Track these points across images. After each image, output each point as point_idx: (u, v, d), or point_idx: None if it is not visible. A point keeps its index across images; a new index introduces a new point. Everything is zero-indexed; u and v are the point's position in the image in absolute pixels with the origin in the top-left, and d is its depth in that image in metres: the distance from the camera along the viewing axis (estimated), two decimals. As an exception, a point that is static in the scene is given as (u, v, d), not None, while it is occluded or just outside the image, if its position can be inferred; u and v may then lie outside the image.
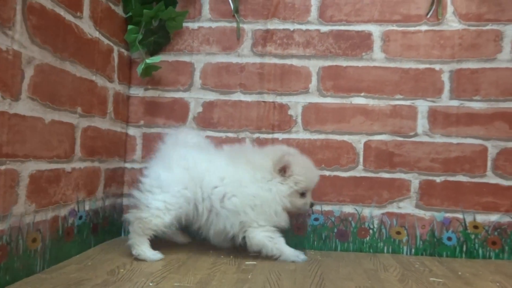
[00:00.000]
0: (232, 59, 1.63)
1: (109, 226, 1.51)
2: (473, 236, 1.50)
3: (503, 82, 1.52)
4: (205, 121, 1.63)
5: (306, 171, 1.37)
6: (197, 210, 1.32)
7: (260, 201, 1.32)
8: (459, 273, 1.27)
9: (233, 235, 1.34)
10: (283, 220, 1.36)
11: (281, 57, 1.62)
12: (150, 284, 1.04)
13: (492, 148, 1.52)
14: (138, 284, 1.03)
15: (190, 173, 1.31)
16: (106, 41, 1.44)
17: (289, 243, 1.38)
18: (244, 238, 1.33)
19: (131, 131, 1.64)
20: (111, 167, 1.51)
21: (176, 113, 1.63)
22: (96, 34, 1.37)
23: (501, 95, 1.52)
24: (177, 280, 1.09)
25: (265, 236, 1.33)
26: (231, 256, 1.37)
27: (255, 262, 1.31)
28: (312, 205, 1.40)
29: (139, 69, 1.53)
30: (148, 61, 1.52)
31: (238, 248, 1.40)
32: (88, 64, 1.33)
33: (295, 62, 1.61)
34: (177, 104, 1.64)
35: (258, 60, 1.62)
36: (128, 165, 1.64)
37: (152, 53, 1.60)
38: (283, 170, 1.34)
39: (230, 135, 1.62)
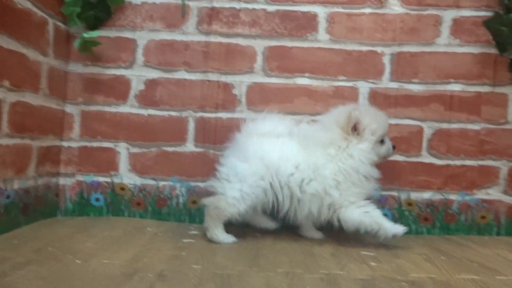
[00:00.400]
0: (177, 36, 1.60)
1: (42, 206, 1.46)
2: (407, 213, 1.55)
3: (440, 66, 1.57)
4: (147, 99, 1.59)
5: (376, 117, 1.34)
6: (277, 199, 1.30)
7: (343, 176, 1.28)
8: (390, 247, 1.31)
9: (325, 219, 1.32)
10: (374, 175, 1.32)
11: (226, 36, 1.60)
12: (77, 261, 1.02)
13: (428, 129, 1.57)
14: (64, 262, 1.00)
15: (265, 163, 1.29)
16: (39, 13, 1.37)
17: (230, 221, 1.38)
18: (339, 220, 1.30)
19: (69, 108, 1.59)
20: (45, 145, 1.45)
21: (116, 91, 1.59)
22: (28, 5, 1.31)
23: (438, 78, 1.57)
24: (107, 257, 1.07)
25: (361, 213, 1.28)
26: (169, 234, 1.36)
27: (193, 240, 1.30)
28: (394, 147, 1.38)
29: (76, 43, 1.47)
30: (85, 35, 1.46)
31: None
32: (18, 36, 1.26)
33: (240, 41, 1.60)
34: (118, 81, 1.59)
35: (203, 38, 1.60)
36: (65, 144, 1.58)
37: (92, 28, 1.55)
38: (355, 128, 1.31)
39: (173, 114, 1.60)
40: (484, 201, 1.54)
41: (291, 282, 0.94)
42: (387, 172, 1.56)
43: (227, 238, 1.29)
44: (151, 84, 1.59)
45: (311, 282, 0.94)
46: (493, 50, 1.56)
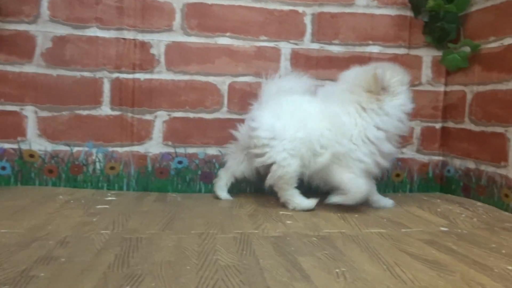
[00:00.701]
0: (86, -11, 1.47)
1: None
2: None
3: (359, 27, 1.59)
4: (56, 58, 1.47)
5: (395, 69, 1.29)
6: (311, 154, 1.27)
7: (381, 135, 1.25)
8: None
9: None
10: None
11: (141, -10, 1.50)
12: (-31, 231, 0.93)
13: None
14: (-47, 232, 0.91)
15: (298, 119, 1.28)
16: None
17: (152, 187, 1.34)
18: None
19: (-36, 67, 1.43)
20: None
21: (20, 49, 1.45)
22: None
23: (357, 40, 1.59)
24: (7, 226, 0.99)
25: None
26: (83, 201, 1.29)
27: (107, 206, 1.25)
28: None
29: (-34, -8, 1.31)
30: (-25, -17, 1.31)
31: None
32: None
33: (156, -4, 1.51)
34: (20, 38, 1.45)
35: (115, -8, 1.48)
36: (-39, 107, 1.43)
37: (-14, -24, 1.38)
38: (385, 89, 1.24)
39: (86, 74, 1.49)
40: (398, 160, 1.61)
41: (203, 243, 0.92)
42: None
43: (311, 202, 1.27)
44: (59, 41, 1.47)
45: (223, 241, 0.93)
46: (409, 13, 1.59)
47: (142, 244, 0.90)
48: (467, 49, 1.48)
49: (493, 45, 1.39)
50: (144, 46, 1.51)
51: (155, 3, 1.51)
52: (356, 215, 1.22)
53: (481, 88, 1.44)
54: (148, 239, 0.94)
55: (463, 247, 0.92)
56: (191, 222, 1.10)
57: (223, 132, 1.54)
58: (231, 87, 1.55)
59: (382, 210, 1.29)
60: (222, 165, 1.53)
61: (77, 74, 1.49)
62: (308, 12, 1.57)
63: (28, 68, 1.46)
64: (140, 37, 1.51)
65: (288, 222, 1.13)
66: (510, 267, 0.81)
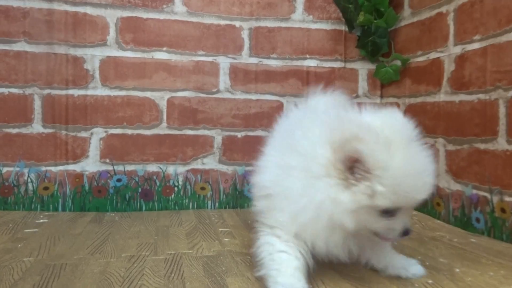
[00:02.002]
0: (12, 2, 1.41)
1: None
2: (267, 187, 1.59)
3: (296, 41, 1.61)
4: (-20, 74, 1.40)
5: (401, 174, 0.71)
6: None
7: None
8: (249, 222, 1.33)
9: None
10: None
11: (73, 4, 1.45)
12: None
13: (287, 103, 1.61)
14: None
15: None
16: None
17: (89, 207, 1.28)
18: None
19: None
20: None
21: None
22: None
23: (295, 54, 1.61)
24: None
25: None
26: (10, 225, 1.22)
27: (37, 230, 1.19)
28: (406, 233, 0.76)
29: None
30: None
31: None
32: None
33: (89, 10, 1.47)
34: None
35: (45, 5, 1.43)
36: None
37: None
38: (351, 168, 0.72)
39: (14, 91, 1.42)
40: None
41: (131, 267, 0.89)
42: (250, 148, 1.57)
43: None
44: (-17, 57, 1.40)
45: (152, 264, 0.91)
46: (343, 27, 1.64)
47: (65, 272, 0.85)
48: (398, 62, 1.53)
49: (420, 59, 1.45)
50: (76, 61, 1.46)
51: (87, 17, 1.47)
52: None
53: (413, 100, 1.50)
54: (73, 265, 0.90)
55: (391, 258, 0.94)
56: (124, 243, 1.07)
57: (162, 148, 1.52)
58: (170, 102, 1.53)
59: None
60: (162, 181, 1.51)
61: (5, 90, 1.42)
62: (245, 27, 1.58)
63: (-50, 85, 1.38)
64: (72, 52, 1.46)
65: (226, 239, 1.12)
66: (430, 281, 0.83)
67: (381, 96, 1.67)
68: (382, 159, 0.68)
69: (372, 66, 1.65)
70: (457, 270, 0.88)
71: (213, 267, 0.89)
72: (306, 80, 1.62)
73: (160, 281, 0.81)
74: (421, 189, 0.72)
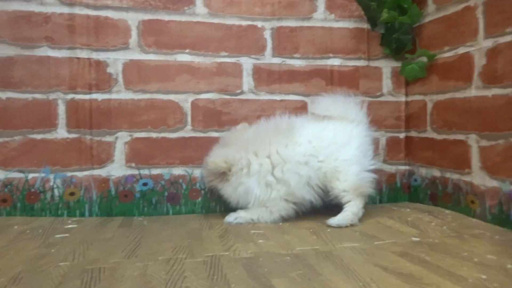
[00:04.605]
0: (34, 7, 1.40)
1: None
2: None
3: (318, 41, 1.59)
4: (3, 80, 1.39)
5: None
6: None
7: None
8: (280, 223, 1.30)
9: None
10: None
11: (94, 8, 1.44)
12: None
13: (311, 103, 1.59)
14: None
15: None
16: None
17: (116, 212, 1.27)
18: None
19: None
20: None
21: (-36, 71, 1.36)
22: None
23: (318, 53, 1.59)
24: (-49, 265, 0.90)
25: None
26: (40, 231, 1.21)
27: (67, 235, 1.17)
28: None
29: None
30: None
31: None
32: None
33: (111, 14, 1.46)
34: (-35, 60, 1.36)
35: (66, 10, 1.42)
36: None
37: None
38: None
39: (38, 96, 1.41)
40: (364, 170, 1.61)
41: (170, 269, 0.87)
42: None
43: None
44: (6, 62, 1.39)
45: (192, 267, 0.88)
46: (366, 25, 1.62)
47: (105, 275, 0.83)
48: (424, 59, 1.51)
49: (448, 54, 1.42)
50: (99, 65, 1.45)
51: (108, 20, 1.46)
52: (329, 230, 1.20)
53: (440, 97, 1.47)
54: (112, 268, 0.88)
55: (436, 257, 0.92)
56: (158, 247, 1.04)
57: (188, 151, 1.50)
58: (194, 104, 1.51)
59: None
60: (189, 184, 1.49)
61: (29, 96, 1.41)
62: (267, 27, 1.56)
63: (-25, 92, 1.37)
64: (95, 56, 1.45)
65: (260, 241, 1.09)
66: (484, 276, 0.80)
67: (406, 94, 1.65)
68: None
69: (396, 64, 1.63)
70: (510, 266, 0.85)
71: (255, 269, 0.86)
72: (330, 79, 1.60)
73: (205, 283, 0.78)
74: None
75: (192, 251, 1.00)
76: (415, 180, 1.60)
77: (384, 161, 1.64)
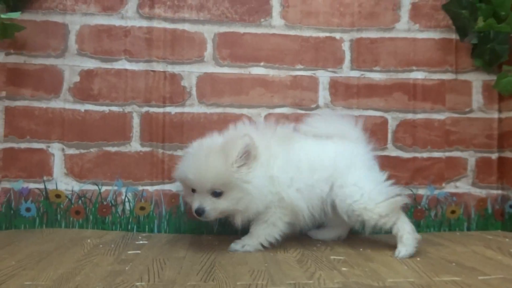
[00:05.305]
0: (115, 21, 1.42)
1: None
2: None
3: (401, 52, 1.49)
4: (83, 92, 1.40)
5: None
6: None
7: None
8: (361, 249, 1.20)
9: None
10: None
11: (171, 21, 1.43)
12: (-10, 285, 0.82)
13: (392, 120, 1.48)
14: (-28, 287, 0.81)
15: None
16: None
17: (184, 229, 1.22)
18: None
19: (-11, 104, 1.37)
20: (-42, 147, 1.23)
21: (46, 83, 1.39)
22: None
23: (400, 66, 1.49)
24: (30, 277, 0.88)
25: None
26: (112, 245, 1.18)
27: (139, 251, 1.13)
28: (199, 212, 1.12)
29: (-7, 26, 1.26)
30: (3, 16, 1.25)
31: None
32: None
33: (187, 27, 1.44)
34: (47, 72, 1.39)
35: (145, 23, 1.42)
36: (-14, 146, 1.36)
37: (13, 9, 1.33)
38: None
39: (114, 109, 1.41)
40: (453, 194, 1.47)
41: (253, 297, 0.80)
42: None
43: None
44: (87, 75, 1.40)
45: (277, 296, 0.80)
46: (454, 36, 1.49)
47: (185, 300, 0.77)
48: (524, 72, 1.36)
49: (555, 66, 1.27)
50: (174, 78, 1.43)
51: (185, 33, 1.44)
52: (418, 258, 1.08)
53: (543, 114, 1.31)
54: (190, 293, 0.82)
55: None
56: (234, 270, 0.98)
57: (259, 167, 1.43)
58: (267, 119, 1.45)
59: (445, 251, 1.15)
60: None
61: (106, 108, 1.41)
62: (346, 39, 1.48)
63: (55, 104, 1.39)
64: (170, 68, 1.43)
65: (344, 269, 1.00)
66: None
67: (500, 110, 1.49)
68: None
69: (488, 77, 1.49)
70: None
71: (348, 302, 0.77)
72: (413, 94, 1.48)
73: (295, 317, 0.70)
74: (194, 176, 1.11)
75: (272, 276, 0.93)
76: (511, 206, 1.43)
77: (473, 184, 1.48)
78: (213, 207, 1.11)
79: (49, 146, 1.39)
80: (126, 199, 1.41)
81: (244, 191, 1.11)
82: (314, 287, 0.86)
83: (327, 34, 1.47)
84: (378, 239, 1.32)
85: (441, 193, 1.46)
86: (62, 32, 1.40)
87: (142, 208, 1.41)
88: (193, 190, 1.14)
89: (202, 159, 1.11)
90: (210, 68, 1.45)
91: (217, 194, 1.11)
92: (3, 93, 1.37)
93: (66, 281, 0.86)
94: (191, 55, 1.44)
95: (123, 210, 1.40)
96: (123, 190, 1.41)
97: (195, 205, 1.12)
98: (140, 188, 1.42)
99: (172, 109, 1.43)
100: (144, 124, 1.42)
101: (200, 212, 1.11)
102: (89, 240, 1.23)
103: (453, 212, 1.46)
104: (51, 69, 1.39)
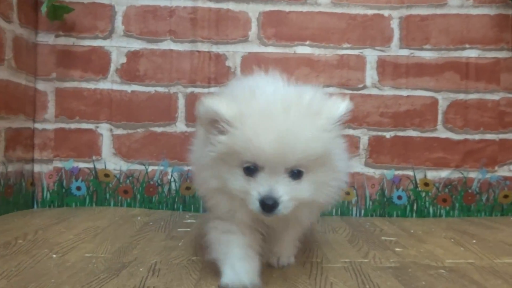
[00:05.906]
0: (160, 2, 1.42)
1: (14, 197, 1.28)
2: (423, 194, 1.41)
3: (453, 30, 1.43)
4: (130, 73, 1.42)
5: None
6: None
7: None
8: (411, 231, 1.18)
9: None
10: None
11: (216, 1, 1.43)
12: (53, 256, 0.85)
13: (443, 100, 1.43)
14: (37, 257, 0.84)
15: None
16: (0, -28, 1.19)
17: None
18: None
19: (41, 85, 1.40)
20: (14, 126, 1.27)
21: (94, 65, 1.41)
22: (-14, -39, 1.12)
23: (452, 44, 1.43)
24: (89, 250, 0.90)
25: None
26: (162, 223, 1.20)
27: (188, 229, 1.15)
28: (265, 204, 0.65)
29: (43, 8, 1.28)
30: (54, -2, 1.28)
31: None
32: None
33: (232, 6, 1.43)
34: (95, 54, 1.41)
35: (189, 3, 1.42)
36: (38, 126, 1.40)
37: (63, -8, 1.36)
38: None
39: (160, 89, 1.42)
40: (506, 178, 1.41)
41: (311, 273, 0.79)
42: (400, 149, 1.42)
43: None
44: (133, 56, 1.42)
45: (334, 272, 0.79)
46: (511, 11, 1.42)
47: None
48: None
49: None
50: (219, 58, 1.43)
51: (229, 13, 1.43)
52: (474, 241, 1.05)
53: None
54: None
55: None
56: (286, 248, 0.97)
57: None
58: (312, 99, 1.42)
59: (502, 234, 1.11)
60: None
61: (152, 89, 1.42)
62: (394, 16, 1.43)
63: (103, 85, 1.41)
64: (215, 49, 1.43)
65: (398, 249, 0.97)
66: None
67: (559, 90, 1.42)
68: (234, 115, 0.66)
69: (546, 55, 1.41)
70: None
71: (410, 281, 0.75)
72: (466, 73, 1.43)
73: (358, 293, 0.69)
74: (271, 145, 0.64)
75: (325, 255, 0.92)
76: None
77: (529, 167, 1.42)
78: (294, 196, 0.67)
79: (97, 127, 1.42)
80: (172, 179, 1.42)
81: (332, 170, 0.71)
82: (371, 266, 0.84)
83: (375, 12, 1.43)
84: (426, 221, 1.29)
85: (494, 177, 1.41)
86: (109, 14, 1.41)
87: (187, 188, 1.42)
88: (251, 169, 0.68)
89: (284, 118, 0.66)
90: (255, 47, 1.43)
91: (296, 175, 0.68)
92: (53, 75, 1.40)
93: (124, 254, 0.88)
94: (236, 34, 1.43)
95: (169, 190, 1.42)
96: (169, 170, 1.42)
97: (263, 192, 0.65)
98: (186, 168, 1.42)
99: (217, 90, 1.43)
100: (189, 105, 1.42)
101: (273, 205, 0.65)
102: (139, 218, 1.26)
103: (506, 196, 1.40)
104: (99, 51, 1.41)
